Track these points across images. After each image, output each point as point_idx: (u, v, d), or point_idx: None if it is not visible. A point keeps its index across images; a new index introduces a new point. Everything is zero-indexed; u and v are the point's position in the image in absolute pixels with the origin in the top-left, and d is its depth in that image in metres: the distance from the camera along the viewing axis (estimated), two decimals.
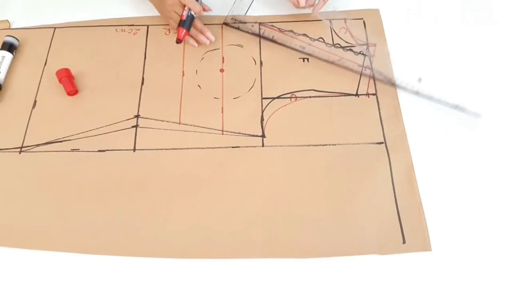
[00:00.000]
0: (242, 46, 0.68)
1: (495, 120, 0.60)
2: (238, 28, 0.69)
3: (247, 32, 0.68)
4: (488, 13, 0.71)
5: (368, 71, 0.64)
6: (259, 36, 0.68)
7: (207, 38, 0.67)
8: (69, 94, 0.64)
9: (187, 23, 0.64)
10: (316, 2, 0.68)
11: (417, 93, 0.61)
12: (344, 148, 0.58)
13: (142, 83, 0.65)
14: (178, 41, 0.64)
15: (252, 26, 0.69)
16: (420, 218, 0.52)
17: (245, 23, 0.69)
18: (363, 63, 0.65)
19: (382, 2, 0.72)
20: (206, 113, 0.62)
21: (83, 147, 0.59)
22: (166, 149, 0.59)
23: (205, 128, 0.61)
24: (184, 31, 0.64)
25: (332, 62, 0.64)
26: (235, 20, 0.69)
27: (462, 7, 0.72)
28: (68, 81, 0.63)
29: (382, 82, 0.63)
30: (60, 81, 0.64)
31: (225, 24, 0.70)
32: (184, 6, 0.64)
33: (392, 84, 0.63)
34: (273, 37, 0.67)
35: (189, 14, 0.64)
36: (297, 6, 0.66)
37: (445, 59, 0.65)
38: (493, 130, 0.59)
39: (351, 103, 0.62)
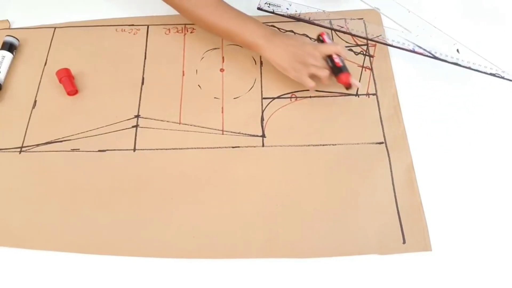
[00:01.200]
0: (242, 46, 0.68)
1: (496, 120, 0.60)
2: (273, 12, 0.67)
3: (283, 15, 0.66)
4: (488, 13, 0.71)
5: (368, 71, 0.64)
6: (296, 19, 0.66)
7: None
8: (69, 94, 0.64)
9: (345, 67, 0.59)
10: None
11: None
12: (344, 148, 0.58)
13: (142, 83, 0.65)
14: (348, 86, 0.59)
15: (287, 9, 0.67)
16: (420, 218, 0.52)
17: (279, 6, 0.67)
18: (363, 63, 0.65)
19: (382, 2, 0.72)
20: (206, 113, 0.62)
21: (83, 147, 0.59)
22: (166, 149, 0.59)
23: (205, 128, 0.61)
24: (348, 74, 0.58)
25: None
26: (269, 4, 0.68)
27: (462, 7, 0.72)
28: (68, 81, 0.63)
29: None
30: (60, 81, 0.64)
31: (259, 9, 0.68)
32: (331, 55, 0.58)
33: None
34: (309, 18, 0.65)
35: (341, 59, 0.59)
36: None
37: None
38: (493, 130, 0.59)
39: (351, 103, 0.62)
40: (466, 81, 0.63)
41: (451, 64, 0.59)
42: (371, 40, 0.63)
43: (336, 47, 0.58)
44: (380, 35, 0.64)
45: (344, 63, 0.59)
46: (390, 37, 0.62)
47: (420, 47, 0.61)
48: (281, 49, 0.59)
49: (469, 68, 0.58)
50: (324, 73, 0.58)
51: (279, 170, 0.57)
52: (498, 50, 0.61)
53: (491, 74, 0.57)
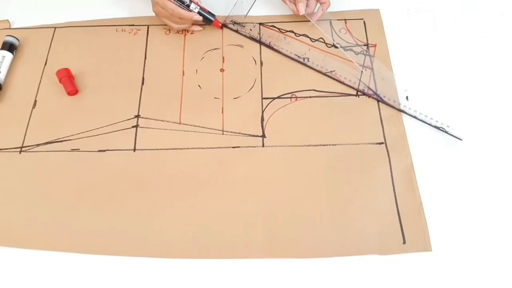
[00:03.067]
0: (242, 46, 0.68)
1: (496, 120, 0.60)
2: (236, 31, 0.69)
3: (245, 36, 0.68)
4: (488, 13, 0.71)
5: (368, 71, 0.64)
6: (257, 41, 0.68)
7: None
8: (69, 94, 0.64)
9: (208, 15, 0.67)
10: (315, 11, 0.68)
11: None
12: (344, 148, 0.58)
13: (142, 83, 0.65)
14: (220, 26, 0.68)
15: (251, 30, 0.69)
16: (420, 219, 0.52)
17: (243, 26, 0.69)
18: (363, 64, 0.65)
19: (382, 2, 0.72)
20: (206, 113, 0.62)
21: (83, 147, 0.59)
22: (166, 149, 0.59)
23: (205, 128, 0.61)
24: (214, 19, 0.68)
25: (324, 74, 0.64)
26: (234, 22, 0.69)
27: (462, 7, 0.72)
28: (68, 81, 0.63)
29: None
30: (60, 81, 0.64)
31: (224, 26, 0.70)
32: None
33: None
34: (269, 43, 0.67)
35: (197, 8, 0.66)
36: (297, 13, 0.67)
37: (444, 60, 0.66)
38: (494, 130, 0.59)
39: (352, 103, 0.62)
40: (467, 83, 0.63)
41: (397, 110, 0.60)
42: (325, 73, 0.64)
43: (169, 7, 0.64)
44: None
45: (200, 7, 0.66)
46: (342, 75, 0.63)
47: (370, 89, 0.62)
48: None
49: (415, 117, 0.59)
50: (173, 26, 0.67)
51: (279, 170, 0.57)
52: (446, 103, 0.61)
53: (435, 127, 0.58)
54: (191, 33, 0.69)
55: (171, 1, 0.64)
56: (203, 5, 0.67)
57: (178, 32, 0.69)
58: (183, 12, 0.65)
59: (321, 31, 0.68)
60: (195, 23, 0.68)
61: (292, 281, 0.49)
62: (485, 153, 0.57)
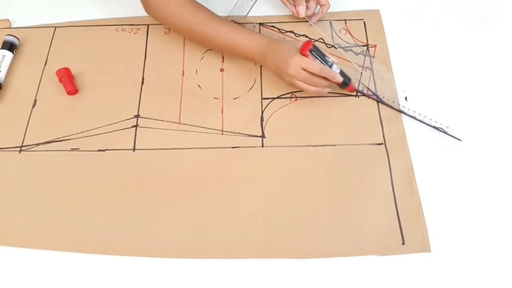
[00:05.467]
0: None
1: (495, 121, 0.60)
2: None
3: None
4: (488, 13, 0.71)
5: (368, 72, 0.64)
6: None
7: None
8: (69, 93, 0.64)
9: (346, 76, 0.60)
10: (316, 11, 0.69)
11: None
12: (344, 149, 0.58)
13: (142, 83, 0.65)
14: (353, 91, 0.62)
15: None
16: (419, 219, 0.52)
17: (244, 26, 0.69)
18: (363, 64, 0.65)
19: (382, 2, 0.72)
20: (206, 113, 0.62)
21: (83, 146, 0.59)
22: (166, 149, 0.59)
23: (205, 128, 0.61)
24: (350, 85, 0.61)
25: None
26: (235, 22, 0.69)
27: (462, 7, 0.72)
28: (68, 81, 0.63)
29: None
30: (60, 80, 0.64)
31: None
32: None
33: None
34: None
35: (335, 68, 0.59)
36: (297, 16, 0.68)
37: (445, 61, 0.66)
38: (493, 131, 0.59)
39: (351, 104, 0.62)
40: (467, 84, 0.63)
41: (396, 111, 0.60)
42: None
43: (316, 67, 0.57)
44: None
45: (341, 69, 0.59)
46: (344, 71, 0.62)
47: (370, 89, 0.62)
48: (272, 64, 0.60)
49: (414, 118, 0.59)
50: (309, 88, 0.59)
51: (278, 171, 0.57)
52: (445, 103, 0.61)
53: (434, 127, 0.58)
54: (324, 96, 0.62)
55: (316, 60, 0.58)
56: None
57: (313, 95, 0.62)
58: (331, 71, 0.58)
59: (321, 32, 0.68)
60: (330, 85, 0.61)
61: (290, 282, 0.49)
62: (484, 154, 0.57)
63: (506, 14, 0.70)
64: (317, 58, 0.58)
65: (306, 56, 0.57)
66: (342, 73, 0.59)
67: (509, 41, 0.67)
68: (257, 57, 0.62)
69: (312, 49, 0.58)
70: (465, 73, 0.64)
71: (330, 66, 0.59)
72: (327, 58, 0.59)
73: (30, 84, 0.65)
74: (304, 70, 0.57)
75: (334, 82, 0.59)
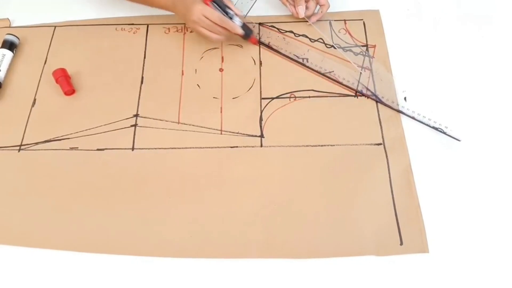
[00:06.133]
0: (241, 46, 0.68)
1: (494, 122, 0.60)
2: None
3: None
4: (488, 13, 0.71)
5: (367, 72, 0.64)
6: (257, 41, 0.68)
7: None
8: (66, 94, 0.64)
9: (247, 29, 0.65)
10: (316, 11, 0.69)
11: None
12: (343, 149, 0.58)
13: (142, 82, 0.65)
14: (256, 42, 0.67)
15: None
16: (417, 220, 0.52)
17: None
18: (362, 64, 0.65)
19: (382, 3, 0.72)
20: (205, 112, 0.62)
21: (82, 145, 0.60)
22: (165, 149, 0.59)
23: (204, 127, 0.61)
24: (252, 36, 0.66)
25: (323, 74, 0.64)
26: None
27: (462, 7, 0.71)
28: (65, 81, 0.63)
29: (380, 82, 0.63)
30: (56, 81, 0.64)
31: None
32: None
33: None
34: (269, 43, 0.67)
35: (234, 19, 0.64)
36: (296, 16, 0.68)
37: (444, 60, 0.65)
38: (492, 131, 0.59)
39: (350, 104, 0.62)
40: (466, 84, 0.63)
41: (395, 111, 0.61)
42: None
43: (215, 16, 0.61)
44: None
45: (244, 23, 0.64)
46: (341, 75, 0.63)
47: (369, 89, 0.62)
48: (180, 11, 0.65)
49: (413, 118, 0.60)
50: (211, 36, 0.64)
51: (277, 171, 0.57)
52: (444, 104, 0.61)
53: (433, 127, 0.59)
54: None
55: (217, 11, 0.62)
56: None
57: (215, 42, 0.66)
58: (230, 22, 0.63)
59: (320, 32, 0.68)
60: (231, 36, 0.65)
61: (289, 282, 0.49)
62: (483, 155, 0.57)
63: (505, 15, 0.70)
64: (218, 8, 0.62)
65: (207, 5, 0.61)
66: (244, 26, 0.65)
67: (509, 42, 0.67)
68: (168, 5, 0.65)
69: None
70: (465, 73, 0.64)
71: (231, 18, 0.63)
72: (228, 10, 0.63)
73: (29, 83, 0.65)
74: (207, 18, 0.61)
75: (235, 33, 0.64)
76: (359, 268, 0.50)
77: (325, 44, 0.67)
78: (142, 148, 0.59)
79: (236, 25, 0.64)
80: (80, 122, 0.61)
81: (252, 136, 0.60)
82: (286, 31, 0.69)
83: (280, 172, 0.56)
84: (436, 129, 0.59)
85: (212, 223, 0.53)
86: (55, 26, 0.71)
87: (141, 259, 0.51)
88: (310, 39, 0.68)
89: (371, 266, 0.50)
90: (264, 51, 0.67)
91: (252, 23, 0.70)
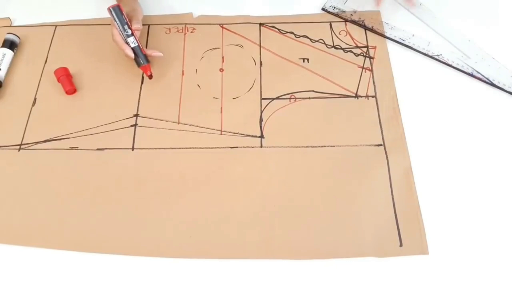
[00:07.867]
0: (242, 46, 0.68)
1: (494, 125, 0.60)
2: (336, 15, 0.69)
3: (346, 20, 0.69)
4: (487, 13, 0.71)
5: (368, 73, 0.64)
6: (361, 25, 0.69)
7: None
8: (67, 93, 0.64)
9: (141, 56, 0.62)
10: None
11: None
12: (343, 150, 0.58)
13: (142, 82, 0.65)
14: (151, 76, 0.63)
15: (352, 15, 0.69)
16: (417, 221, 0.52)
17: (344, 11, 0.70)
18: (363, 65, 0.65)
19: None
20: (205, 113, 0.62)
21: (82, 145, 0.60)
22: (165, 149, 0.59)
23: (204, 128, 0.61)
24: (147, 65, 0.63)
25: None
26: (334, 7, 0.70)
27: (461, 8, 0.71)
28: (66, 80, 0.63)
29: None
30: (58, 80, 0.64)
31: (324, 10, 0.70)
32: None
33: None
34: (372, 27, 0.67)
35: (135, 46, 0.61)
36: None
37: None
38: (492, 134, 0.59)
39: (351, 105, 0.62)
40: (466, 85, 0.63)
41: (507, 93, 0.61)
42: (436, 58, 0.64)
43: (112, 28, 0.61)
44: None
45: (138, 50, 0.61)
46: (449, 58, 0.64)
47: (479, 73, 0.62)
48: None
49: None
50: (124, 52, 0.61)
51: (277, 171, 0.57)
52: None
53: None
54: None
55: (115, 26, 0.61)
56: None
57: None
58: (119, 41, 0.61)
59: (321, 33, 0.68)
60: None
61: (288, 283, 0.49)
62: (483, 156, 0.57)
63: (505, 14, 0.70)
64: (115, 20, 0.60)
65: (108, 10, 0.60)
66: (138, 50, 0.61)
67: (509, 39, 0.67)
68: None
69: (114, 8, 0.60)
70: (465, 77, 0.64)
71: (128, 36, 0.61)
72: (126, 27, 0.60)
73: (30, 83, 0.65)
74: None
75: (124, 55, 0.61)
76: (359, 270, 0.50)
77: (326, 44, 0.67)
78: (142, 148, 0.59)
79: (125, 46, 0.60)
80: (80, 121, 0.61)
81: (252, 136, 0.60)
82: (287, 32, 0.69)
83: (280, 173, 0.56)
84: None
85: (211, 223, 0.53)
86: (56, 26, 0.72)
87: (140, 259, 0.51)
88: (310, 39, 0.68)
89: (370, 268, 0.50)
90: (265, 51, 0.67)
91: (253, 23, 0.70)
